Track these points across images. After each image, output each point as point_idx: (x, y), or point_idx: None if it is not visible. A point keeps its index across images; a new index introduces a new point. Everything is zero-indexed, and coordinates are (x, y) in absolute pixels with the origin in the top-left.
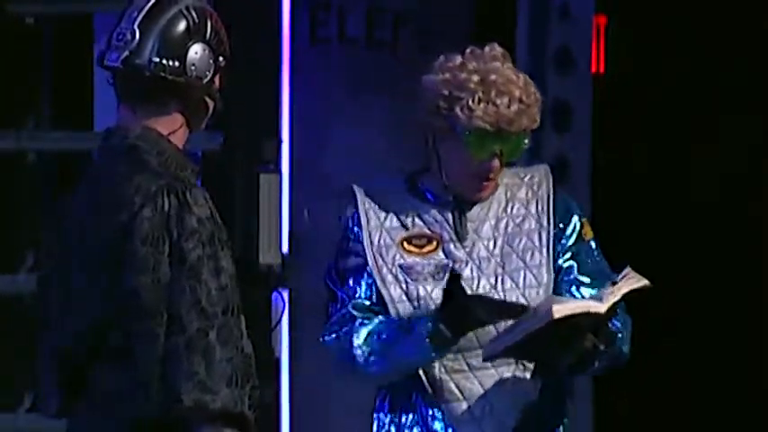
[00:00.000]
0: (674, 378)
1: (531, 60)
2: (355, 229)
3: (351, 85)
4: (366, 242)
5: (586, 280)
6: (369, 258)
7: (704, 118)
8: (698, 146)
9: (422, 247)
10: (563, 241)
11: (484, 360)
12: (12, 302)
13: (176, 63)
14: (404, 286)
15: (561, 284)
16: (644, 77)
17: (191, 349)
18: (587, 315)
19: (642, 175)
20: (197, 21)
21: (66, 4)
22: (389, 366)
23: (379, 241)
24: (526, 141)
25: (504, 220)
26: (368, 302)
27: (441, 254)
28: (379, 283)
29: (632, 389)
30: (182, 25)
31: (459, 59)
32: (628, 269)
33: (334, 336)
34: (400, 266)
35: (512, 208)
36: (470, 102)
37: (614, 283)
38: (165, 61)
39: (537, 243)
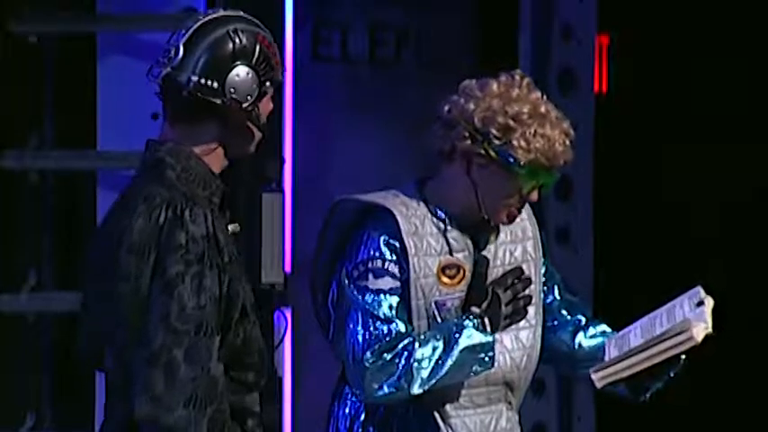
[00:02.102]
0: (674, 379)
1: (534, 80)
2: (393, 254)
3: (353, 103)
4: (412, 274)
5: (568, 298)
6: (411, 287)
7: (707, 137)
8: (701, 164)
9: (453, 277)
10: (545, 265)
11: (601, 388)
12: (14, 321)
13: (215, 84)
14: (431, 322)
15: (557, 305)
16: (646, 97)
17: (152, 364)
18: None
19: (645, 192)
20: (244, 43)
21: (68, 23)
22: (443, 380)
23: (420, 270)
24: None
25: (503, 248)
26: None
27: (465, 285)
28: (414, 313)
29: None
30: (227, 47)
31: (495, 85)
32: (699, 287)
33: (379, 358)
34: (435, 303)
35: (506, 235)
36: (528, 134)
37: (701, 303)
38: (203, 81)
39: (531, 276)
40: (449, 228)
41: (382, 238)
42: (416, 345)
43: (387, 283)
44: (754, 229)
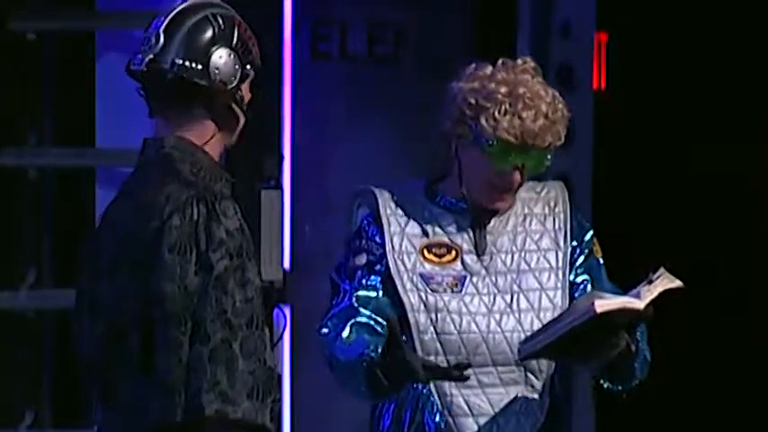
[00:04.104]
0: (675, 381)
1: None
2: (371, 228)
3: (352, 100)
4: (388, 246)
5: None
6: (390, 263)
7: (706, 135)
8: (700, 162)
9: (441, 256)
10: (575, 258)
11: (521, 360)
12: (13, 319)
13: (199, 66)
14: (423, 295)
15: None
16: (645, 94)
17: (214, 359)
18: (625, 312)
19: (644, 190)
20: (222, 27)
21: (67, 20)
22: (342, 378)
23: (400, 247)
24: (549, 157)
25: (522, 235)
26: (373, 293)
27: (459, 264)
28: (399, 288)
29: (636, 392)
30: (207, 30)
31: (489, 69)
32: (662, 270)
33: (327, 330)
34: (421, 275)
35: (529, 222)
36: (496, 112)
37: (650, 282)
38: (187, 63)
39: (553, 264)
40: (446, 212)
41: (366, 219)
42: (345, 329)
43: (363, 259)
44: (753, 228)
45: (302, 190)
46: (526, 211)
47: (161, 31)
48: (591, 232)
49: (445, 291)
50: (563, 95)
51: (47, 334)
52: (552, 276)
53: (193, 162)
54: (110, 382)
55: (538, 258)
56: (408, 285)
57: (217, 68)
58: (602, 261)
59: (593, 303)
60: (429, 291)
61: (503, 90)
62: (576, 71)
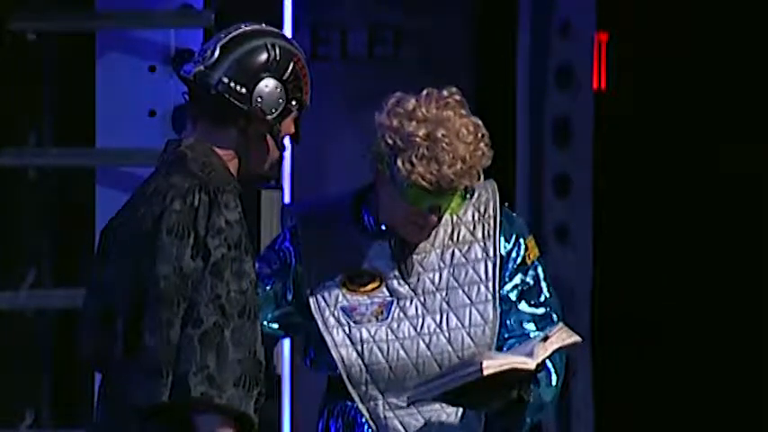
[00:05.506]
0: (675, 382)
1: (532, 77)
2: (284, 246)
3: (352, 101)
4: (306, 281)
5: (529, 311)
6: (310, 300)
7: (705, 134)
8: (699, 161)
9: (364, 285)
10: (508, 267)
11: (409, 404)
12: (13, 319)
13: (243, 90)
14: (346, 330)
15: (505, 315)
16: (645, 93)
17: (204, 343)
18: (516, 371)
19: (643, 189)
20: (278, 58)
21: (68, 21)
22: None
23: (321, 281)
24: (468, 196)
25: (451, 249)
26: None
27: (384, 291)
28: (321, 326)
29: (635, 393)
30: (261, 57)
31: (411, 104)
32: (560, 324)
33: None
34: (342, 309)
35: (458, 234)
36: (413, 156)
37: (546, 338)
38: (232, 84)
39: (483, 276)
40: (368, 237)
41: (286, 237)
42: None
43: (262, 269)
44: (754, 227)
45: (301, 190)
46: (455, 220)
47: (219, 45)
48: (523, 238)
49: (369, 321)
50: (563, 95)
51: (47, 334)
52: (482, 289)
53: (205, 163)
54: (100, 368)
55: (467, 272)
56: (331, 321)
57: (260, 96)
58: (539, 265)
59: (481, 363)
60: (353, 324)
61: (421, 133)
62: (576, 71)
